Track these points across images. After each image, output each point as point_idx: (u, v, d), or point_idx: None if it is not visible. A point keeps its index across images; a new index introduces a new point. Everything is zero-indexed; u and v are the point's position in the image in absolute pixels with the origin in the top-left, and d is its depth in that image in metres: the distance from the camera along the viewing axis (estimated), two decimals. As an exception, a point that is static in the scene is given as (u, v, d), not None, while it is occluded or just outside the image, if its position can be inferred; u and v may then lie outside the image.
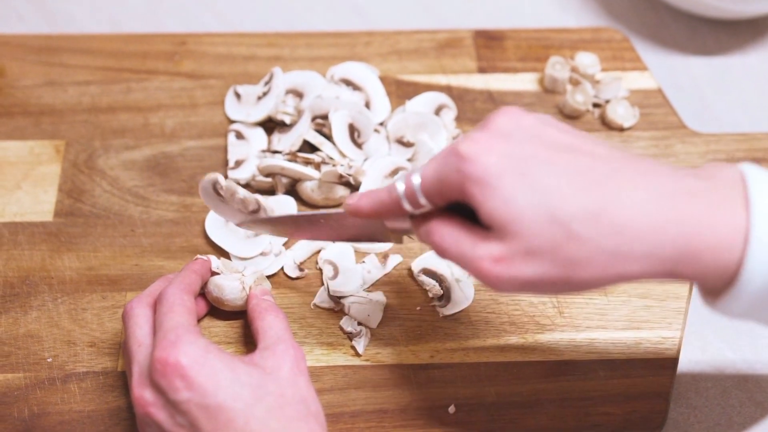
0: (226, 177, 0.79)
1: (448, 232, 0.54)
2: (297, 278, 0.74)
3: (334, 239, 0.70)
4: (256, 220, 0.71)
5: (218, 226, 0.75)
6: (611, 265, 0.50)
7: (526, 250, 0.51)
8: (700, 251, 0.49)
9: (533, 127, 0.53)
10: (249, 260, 0.74)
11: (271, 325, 0.64)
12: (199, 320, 0.71)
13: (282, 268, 0.74)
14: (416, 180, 0.55)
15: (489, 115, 0.54)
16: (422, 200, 0.55)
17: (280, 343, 0.61)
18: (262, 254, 0.74)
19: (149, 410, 0.58)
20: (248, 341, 0.70)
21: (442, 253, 0.55)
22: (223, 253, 0.75)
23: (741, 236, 0.49)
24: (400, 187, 0.56)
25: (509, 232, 0.51)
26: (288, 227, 0.70)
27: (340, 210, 0.65)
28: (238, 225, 0.71)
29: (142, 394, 0.58)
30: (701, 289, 0.53)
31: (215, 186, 0.69)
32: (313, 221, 0.67)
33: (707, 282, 0.50)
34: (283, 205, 0.77)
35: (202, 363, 0.57)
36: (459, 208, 0.55)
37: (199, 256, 0.70)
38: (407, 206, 0.56)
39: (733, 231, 0.49)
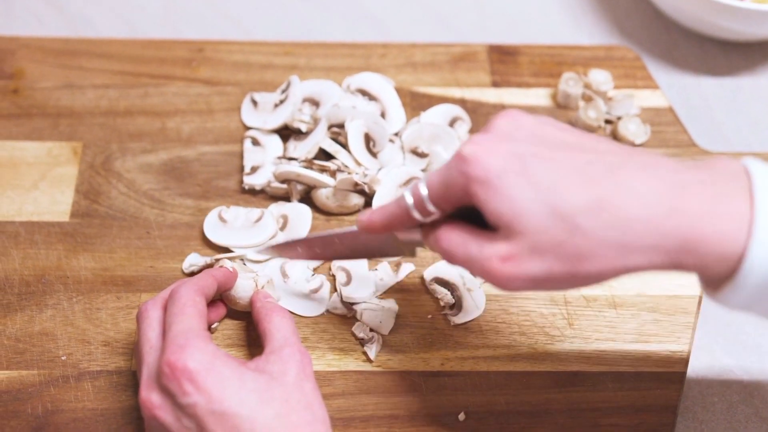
0: (241, 182, 0.80)
1: (456, 236, 0.56)
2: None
3: (349, 257, 0.71)
4: (269, 246, 0.73)
5: (218, 228, 0.76)
6: (616, 257, 0.50)
7: (532, 246, 0.51)
8: (703, 242, 0.49)
9: (533, 127, 0.54)
10: (262, 263, 0.74)
11: (278, 327, 0.64)
12: (215, 324, 0.72)
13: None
14: (423, 189, 0.57)
15: (491, 118, 0.56)
16: (430, 207, 0.57)
17: (286, 347, 0.62)
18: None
19: (156, 413, 0.59)
20: (261, 344, 0.71)
21: (451, 257, 0.56)
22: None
23: (744, 228, 0.49)
24: (408, 198, 0.58)
25: (514, 230, 0.52)
26: (302, 250, 0.71)
27: (353, 228, 0.67)
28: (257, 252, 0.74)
29: (149, 396, 0.59)
30: (703, 280, 0.53)
31: None
32: (327, 242, 0.69)
33: (710, 273, 0.51)
34: (297, 212, 0.78)
35: (209, 368, 0.58)
36: (467, 216, 0.56)
37: (223, 264, 0.70)
38: (416, 215, 0.58)
39: (736, 222, 0.49)
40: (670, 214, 0.49)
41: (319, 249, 0.70)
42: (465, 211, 0.56)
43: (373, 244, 0.66)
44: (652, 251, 0.50)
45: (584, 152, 0.52)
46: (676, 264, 0.50)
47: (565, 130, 0.55)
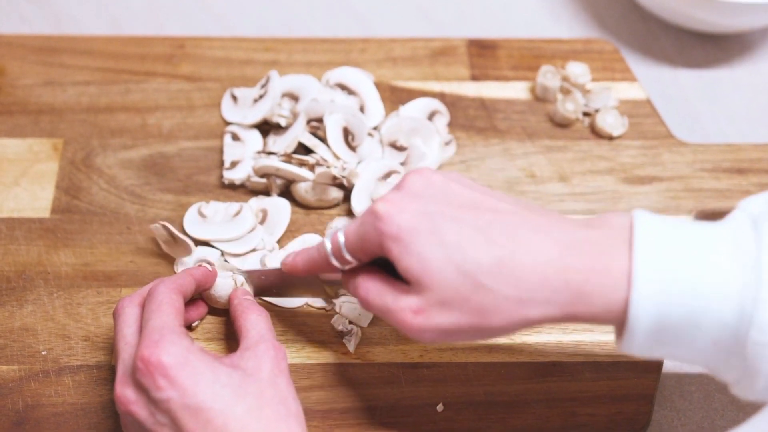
0: (221, 177, 0.80)
1: (372, 286, 0.59)
2: None
3: (275, 295, 0.73)
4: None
5: (198, 223, 0.77)
6: (515, 311, 0.54)
7: (440, 301, 0.55)
8: (592, 294, 0.53)
9: (442, 185, 0.59)
10: (241, 257, 0.75)
11: (253, 324, 0.65)
12: (196, 322, 0.72)
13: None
14: (341, 238, 0.61)
15: (403, 176, 0.60)
16: (347, 257, 0.61)
17: (261, 343, 0.63)
18: (254, 250, 0.75)
19: (131, 408, 0.59)
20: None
21: (368, 306, 0.60)
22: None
23: (625, 279, 0.53)
24: (328, 245, 0.62)
25: (424, 285, 0.56)
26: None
27: (277, 267, 0.69)
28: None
29: (124, 392, 0.59)
30: (615, 332, 0.57)
31: (167, 229, 0.73)
32: (254, 277, 0.71)
33: (603, 322, 0.55)
34: (277, 206, 0.78)
35: (183, 363, 0.58)
36: (383, 263, 0.59)
37: (203, 263, 0.71)
38: (335, 263, 0.62)
39: (619, 274, 0.53)
40: (561, 271, 0.54)
41: (251, 281, 0.72)
42: (381, 259, 0.59)
43: (298, 284, 0.70)
44: (547, 304, 0.54)
45: (486, 212, 0.56)
46: (570, 315, 0.55)
47: (470, 187, 0.59)
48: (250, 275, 0.71)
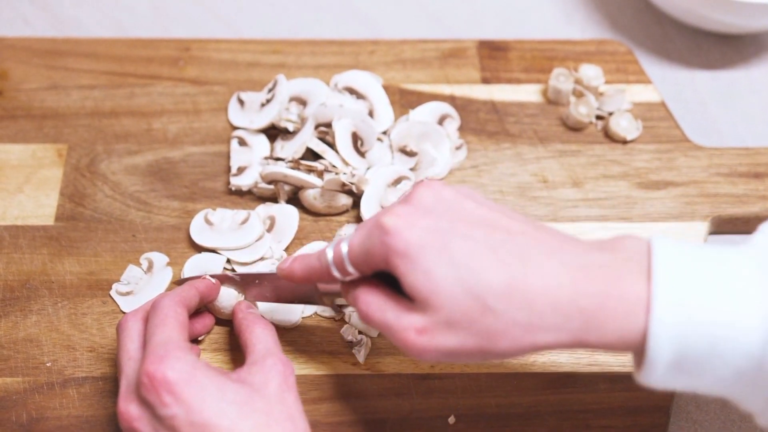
0: (228, 183, 0.79)
1: (374, 300, 0.57)
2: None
3: (269, 299, 0.70)
4: (195, 277, 0.71)
5: (204, 230, 0.75)
6: (524, 336, 0.52)
7: (446, 321, 0.53)
8: (605, 322, 0.51)
9: (453, 201, 0.56)
10: (249, 265, 0.74)
11: (259, 338, 0.64)
12: (203, 336, 0.71)
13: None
14: (344, 249, 0.58)
15: (412, 189, 0.58)
16: (350, 269, 0.58)
17: (268, 358, 0.61)
18: (261, 259, 0.74)
19: (134, 425, 0.58)
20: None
21: (367, 320, 0.58)
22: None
23: (642, 306, 0.50)
24: (329, 254, 0.59)
25: (430, 304, 0.53)
26: (228, 284, 0.70)
27: (273, 271, 0.67)
28: (176, 282, 0.72)
29: (128, 408, 0.58)
30: (634, 363, 0.54)
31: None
32: (249, 281, 0.69)
33: (615, 351, 0.53)
34: (285, 213, 0.77)
35: (188, 379, 0.57)
36: (386, 276, 0.57)
37: (206, 276, 0.69)
38: (336, 273, 0.59)
39: (635, 301, 0.51)
40: (573, 297, 0.52)
41: (239, 286, 0.70)
42: (384, 273, 0.57)
43: (294, 291, 0.67)
44: (558, 330, 0.52)
45: (498, 231, 0.54)
46: (581, 342, 0.52)
47: (482, 204, 0.56)
48: (243, 278, 0.69)
